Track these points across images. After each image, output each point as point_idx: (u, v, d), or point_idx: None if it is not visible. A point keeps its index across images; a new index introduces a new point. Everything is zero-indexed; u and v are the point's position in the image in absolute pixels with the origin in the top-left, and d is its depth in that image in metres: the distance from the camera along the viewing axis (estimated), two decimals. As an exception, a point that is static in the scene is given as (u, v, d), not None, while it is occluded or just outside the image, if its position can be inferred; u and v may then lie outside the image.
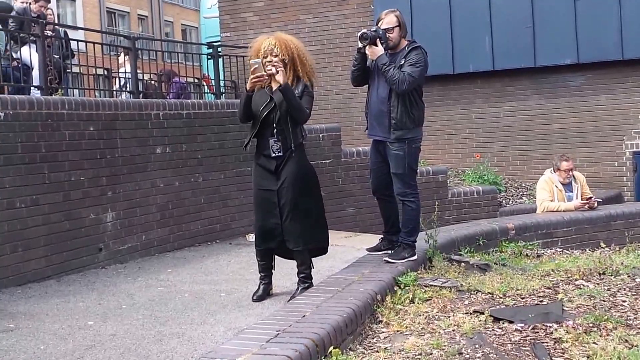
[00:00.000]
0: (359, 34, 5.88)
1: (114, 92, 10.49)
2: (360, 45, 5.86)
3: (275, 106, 5.59)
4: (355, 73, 6.07)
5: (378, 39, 5.82)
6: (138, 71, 9.92)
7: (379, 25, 5.98)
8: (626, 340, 4.36)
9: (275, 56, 5.59)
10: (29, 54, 8.45)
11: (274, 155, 5.61)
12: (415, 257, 5.99)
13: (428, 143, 13.34)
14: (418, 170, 10.89)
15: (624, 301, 5.33)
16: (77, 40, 9.72)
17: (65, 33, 10.18)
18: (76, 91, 10.25)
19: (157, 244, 8.15)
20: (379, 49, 5.81)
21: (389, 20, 5.95)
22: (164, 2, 40.46)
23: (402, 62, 5.82)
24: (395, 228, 6.16)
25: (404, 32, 6.02)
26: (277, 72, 5.49)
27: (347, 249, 8.07)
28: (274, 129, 5.60)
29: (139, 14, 38.78)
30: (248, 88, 5.65)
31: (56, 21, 11.33)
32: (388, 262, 5.88)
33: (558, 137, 13.20)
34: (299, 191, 5.61)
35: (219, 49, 12.48)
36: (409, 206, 5.94)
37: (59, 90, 8.37)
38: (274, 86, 5.63)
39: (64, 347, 4.82)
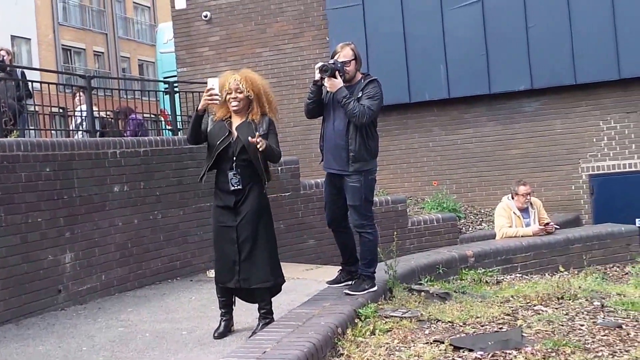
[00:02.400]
0: (317, 66, 5.94)
1: (70, 132, 10.46)
2: (318, 77, 5.93)
3: (232, 140, 5.64)
4: (311, 105, 6.13)
5: (337, 72, 5.90)
6: (95, 109, 9.92)
7: (335, 58, 6.05)
8: (584, 364, 4.46)
9: (240, 92, 5.65)
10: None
11: (233, 188, 5.63)
12: (375, 288, 6.05)
13: (387, 172, 13.54)
14: (377, 200, 11.18)
15: (582, 325, 5.44)
16: (32, 81, 9.72)
17: (23, 74, 10.16)
18: (32, 132, 10.19)
19: (117, 284, 8.10)
20: (339, 82, 5.88)
21: (345, 53, 6.04)
22: (120, 38, 40.40)
23: (360, 94, 5.91)
24: (353, 259, 6.22)
25: (360, 65, 6.13)
26: (259, 144, 5.48)
27: (308, 281, 8.09)
28: (233, 163, 5.64)
29: (95, 51, 38.64)
30: (199, 108, 5.69)
31: (12, 61, 11.27)
32: (348, 294, 5.93)
33: (515, 162, 13.42)
34: (258, 228, 5.65)
35: (175, 85, 12.52)
36: (366, 237, 6.01)
37: (14, 131, 8.33)
38: (235, 122, 5.70)
39: (22, 393, 4.77)
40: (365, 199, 5.99)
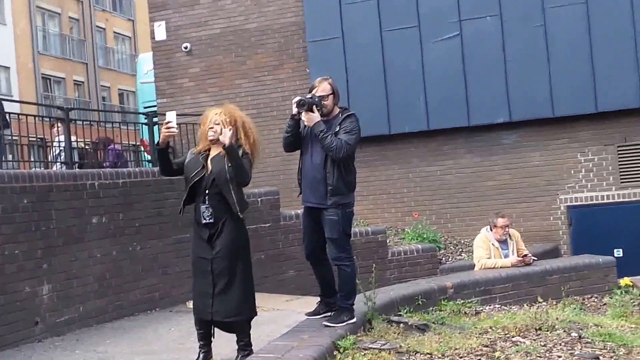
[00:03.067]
0: (294, 100, 5.98)
1: (49, 163, 10.44)
2: (295, 111, 5.98)
3: (207, 173, 5.68)
4: (289, 139, 6.18)
5: (314, 106, 5.96)
6: (73, 138, 9.92)
7: (313, 92, 6.10)
8: (560, 396, 4.49)
9: (218, 124, 5.70)
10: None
11: (204, 222, 5.68)
12: (354, 320, 6.07)
13: (367, 203, 13.60)
14: (358, 230, 11.24)
15: (560, 357, 5.49)
16: (9, 113, 9.70)
17: (0, 104, 10.16)
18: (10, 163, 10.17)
19: (95, 315, 8.06)
20: (316, 116, 5.92)
21: (323, 87, 6.09)
22: (100, 68, 40.43)
23: (337, 129, 5.96)
24: (332, 290, 6.25)
25: (337, 99, 6.18)
26: (222, 132, 5.56)
27: (288, 312, 8.09)
28: (206, 196, 5.68)
29: (75, 80, 38.63)
30: (160, 141, 5.76)
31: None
32: (327, 326, 5.95)
33: (494, 193, 13.55)
34: (233, 262, 5.66)
35: (155, 116, 12.54)
36: (344, 270, 6.04)
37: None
38: (212, 154, 5.75)
39: None
40: (343, 232, 6.02)
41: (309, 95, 6.01)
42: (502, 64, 13.26)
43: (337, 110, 6.13)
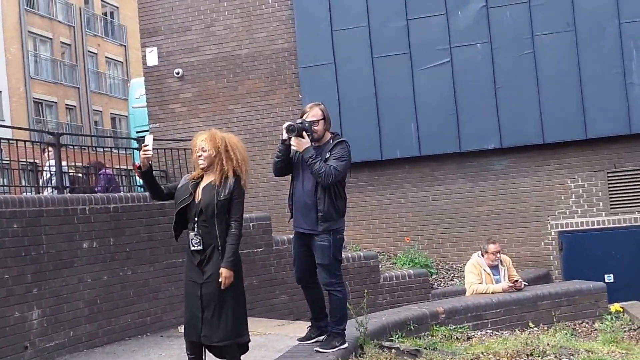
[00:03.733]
0: (284, 125, 6.00)
1: (39, 188, 10.43)
2: (285, 136, 6.00)
3: (193, 201, 5.69)
4: (279, 164, 6.19)
5: (304, 131, 5.97)
6: (64, 163, 9.92)
7: (304, 117, 6.12)
8: (552, 422, 4.48)
9: (205, 151, 5.72)
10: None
11: (193, 248, 5.68)
12: (346, 345, 6.06)
13: (359, 227, 13.61)
14: (350, 255, 11.23)
15: (551, 382, 5.49)
16: (1, 138, 9.70)
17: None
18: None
19: (85, 340, 8.01)
20: (305, 141, 5.94)
21: (314, 113, 6.11)
22: (92, 92, 40.47)
23: (328, 155, 5.97)
24: (323, 314, 6.24)
25: (328, 124, 6.20)
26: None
27: (280, 337, 8.05)
28: (195, 224, 5.68)
29: (66, 104, 38.63)
30: (140, 165, 5.77)
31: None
32: (319, 351, 5.94)
33: (485, 219, 13.58)
34: (221, 287, 5.65)
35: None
36: (335, 295, 6.03)
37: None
38: (204, 182, 5.75)
39: None
40: (334, 258, 6.02)
41: (299, 121, 6.03)
42: (493, 91, 13.35)
43: (328, 136, 6.15)
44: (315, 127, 6.05)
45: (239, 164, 5.73)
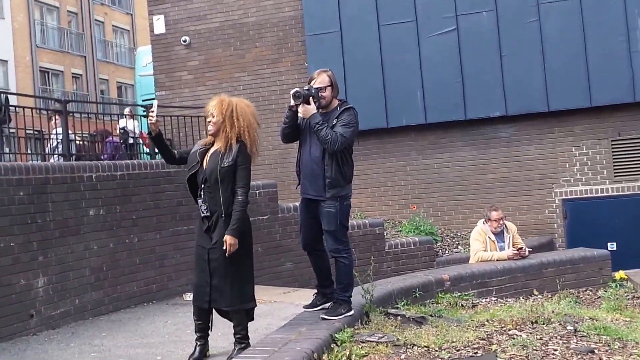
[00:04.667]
0: (291, 92, 5.89)
1: (46, 156, 10.34)
2: (292, 103, 5.90)
3: (201, 168, 5.68)
4: (286, 130, 6.09)
5: (311, 98, 5.86)
6: (71, 132, 9.83)
7: (311, 84, 6.01)
8: (558, 390, 4.41)
9: (213, 117, 5.69)
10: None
11: (202, 215, 5.69)
12: (351, 313, 5.99)
13: (365, 195, 13.54)
14: (355, 223, 11.16)
15: (555, 350, 5.41)
16: (10, 106, 9.61)
17: (7, 99, 10.06)
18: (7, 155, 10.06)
19: (91, 308, 7.98)
20: (312, 108, 5.84)
21: (321, 79, 5.98)
22: (99, 61, 40.26)
23: (335, 122, 5.86)
24: (329, 281, 6.17)
25: (336, 91, 6.06)
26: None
27: (286, 305, 8.03)
28: (201, 190, 5.67)
29: (73, 73, 38.46)
30: (150, 130, 5.81)
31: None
32: (325, 318, 5.86)
33: (490, 186, 13.48)
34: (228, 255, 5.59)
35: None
36: (342, 262, 5.96)
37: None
38: (213, 149, 5.70)
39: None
40: (340, 224, 5.94)
41: (306, 87, 5.91)
42: (498, 59, 13.19)
43: (335, 102, 6.04)
44: (323, 94, 5.93)
45: (242, 131, 5.64)
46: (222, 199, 5.58)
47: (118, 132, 12.62)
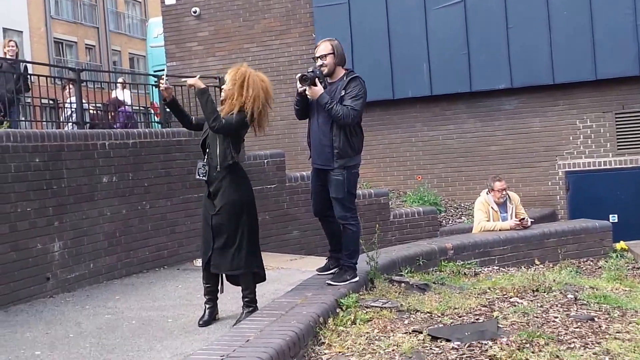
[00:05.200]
0: (297, 76, 5.96)
1: (61, 123, 10.38)
2: (300, 88, 5.91)
3: (206, 133, 5.81)
4: (299, 111, 6.16)
5: (317, 79, 5.89)
6: (85, 101, 9.84)
7: (315, 51, 6.08)
8: (557, 356, 4.46)
9: (225, 84, 5.76)
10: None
11: (197, 177, 5.80)
12: (356, 279, 6.04)
13: (370, 166, 13.53)
14: (361, 193, 11.18)
15: (556, 317, 5.46)
16: (27, 74, 9.62)
17: (26, 68, 10.06)
18: (23, 123, 10.10)
19: (105, 272, 8.06)
20: (319, 89, 5.86)
21: (323, 47, 6.02)
22: (111, 32, 40.14)
23: (342, 93, 5.87)
24: (340, 246, 6.22)
25: (339, 59, 6.04)
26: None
27: (292, 271, 8.09)
28: (205, 154, 5.81)
29: (86, 44, 38.36)
30: (165, 98, 5.95)
31: (18, 55, 11.17)
32: (330, 284, 5.92)
33: (494, 158, 13.47)
34: (232, 220, 5.67)
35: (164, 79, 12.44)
36: (349, 229, 6.00)
37: (4, 123, 8.26)
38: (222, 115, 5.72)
39: (10, 378, 4.74)
40: (348, 192, 5.98)
41: (310, 69, 5.95)
42: (504, 31, 13.10)
43: (341, 72, 6.04)
44: (324, 62, 5.96)
45: (247, 101, 5.65)
46: (218, 150, 5.68)
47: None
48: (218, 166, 5.67)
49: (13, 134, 7.10)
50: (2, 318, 6.42)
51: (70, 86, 10.78)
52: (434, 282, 6.83)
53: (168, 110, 6.28)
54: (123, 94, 13.44)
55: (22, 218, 7.02)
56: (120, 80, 15.29)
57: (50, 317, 6.43)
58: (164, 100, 5.98)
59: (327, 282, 5.99)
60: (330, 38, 6.14)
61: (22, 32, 33.66)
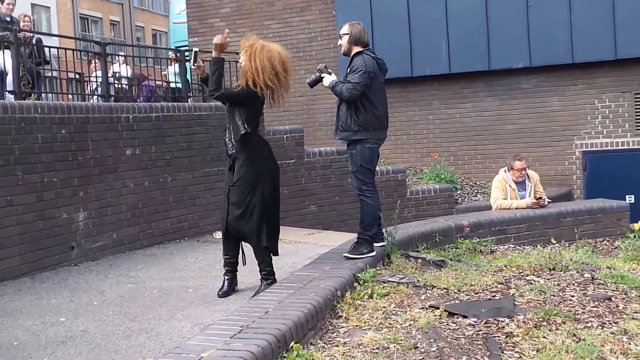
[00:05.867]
0: (307, 82, 6.35)
1: (86, 96, 10.37)
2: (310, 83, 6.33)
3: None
4: None
5: (321, 76, 6.17)
6: (110, 75, 9.83)
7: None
8: (574, 334, 4.40)
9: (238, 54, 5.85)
10: (3, 60, 8.37)
11: (228, 153, 5.82)
12: (373, 253, 6.01)
13: (388, 143, 13.20)
14: (378, 169, 11.11)
15: (573, 296, 5.39)
16: (50, 47, 9.60)
17: (39, 40, 10.03)
18: (50, 95, 10.11)
19: (127, 242, 8.09)
20: (327, 79, 6.13)
21: (343, 28, 6.21)
22: (135, 8, 40.10)
23: (348, 70, 6.04)
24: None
25: (353, 40, 6.08)
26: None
27: (310, 245, 8.07)
28: (225, 129, 5.85)
29: (111, 20, 38.37)
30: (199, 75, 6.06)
31: (32, 28, 11.18)
32: (348, 258, 5.90)
33: (512, 137, 13.34)
34: (245, 194, 5.65)
35: (187, 54, 12.39)
36: (365, 202, 6.03)
37: (32, 95, 8.26)
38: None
39: (36, 342, 4.77)
40: (361, 166, 6.00)
41: (313, 77, 6.26)
42: (524, 9, 12.90)
43: (354, 51, 6.09)
44: (340, 41, 6.18)
45: (254, 73, 5.60)
46: (231, 124, 5.70)
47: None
48: (233, 139, 5.67)
49: (40, 105, 7.11)
50: (29, 285, 6.46)
51: (96, 60, 10.74)
52: (450, 259, 6.78)
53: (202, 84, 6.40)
54: (125, 69, 13.37)
55: (48, 188, 7.04)
56: (121, 53, 15.21)
57: (74, 285, 6.46)
58: (200, 77, 6.08)
59: (344, 255, 5.97)
60: (355, 22, 6.25)
61: (49, 7, 33.71)
